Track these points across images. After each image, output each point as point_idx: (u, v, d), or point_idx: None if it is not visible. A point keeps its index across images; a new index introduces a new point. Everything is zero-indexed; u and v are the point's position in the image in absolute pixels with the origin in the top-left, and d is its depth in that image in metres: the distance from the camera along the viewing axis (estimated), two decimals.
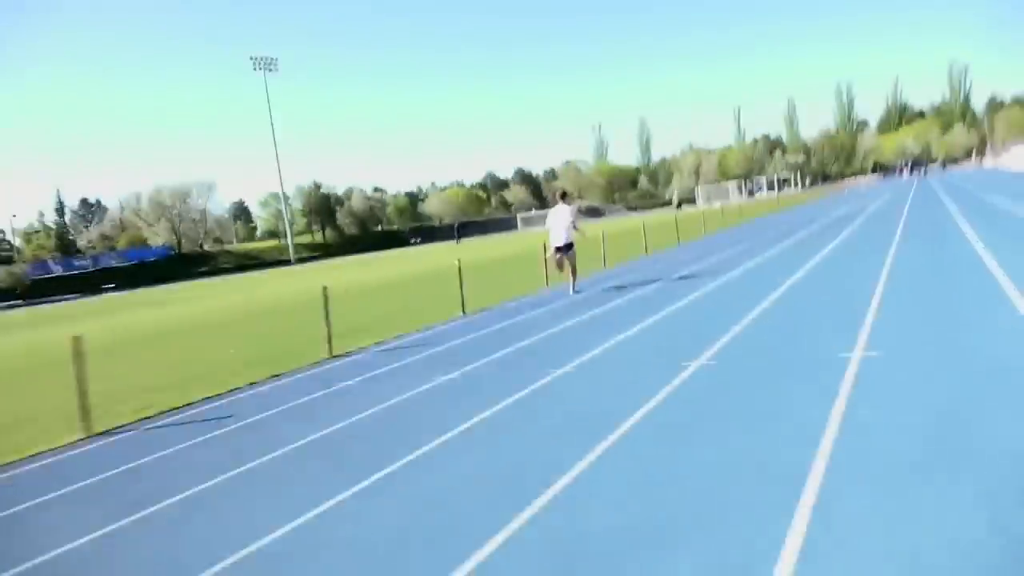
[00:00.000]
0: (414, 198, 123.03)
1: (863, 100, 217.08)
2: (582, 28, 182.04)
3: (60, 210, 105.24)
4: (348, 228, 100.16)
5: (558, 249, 12.01)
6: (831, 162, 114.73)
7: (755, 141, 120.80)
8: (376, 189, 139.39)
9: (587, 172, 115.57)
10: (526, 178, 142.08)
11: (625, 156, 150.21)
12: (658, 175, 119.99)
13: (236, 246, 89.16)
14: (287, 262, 78.76)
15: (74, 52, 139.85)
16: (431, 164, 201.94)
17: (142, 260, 71.76)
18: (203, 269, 73.18)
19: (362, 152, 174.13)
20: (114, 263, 69.53)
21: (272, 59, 76.63)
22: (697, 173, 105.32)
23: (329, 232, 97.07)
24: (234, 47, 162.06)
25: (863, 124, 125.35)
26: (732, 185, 74.86)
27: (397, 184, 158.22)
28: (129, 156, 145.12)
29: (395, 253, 60.75)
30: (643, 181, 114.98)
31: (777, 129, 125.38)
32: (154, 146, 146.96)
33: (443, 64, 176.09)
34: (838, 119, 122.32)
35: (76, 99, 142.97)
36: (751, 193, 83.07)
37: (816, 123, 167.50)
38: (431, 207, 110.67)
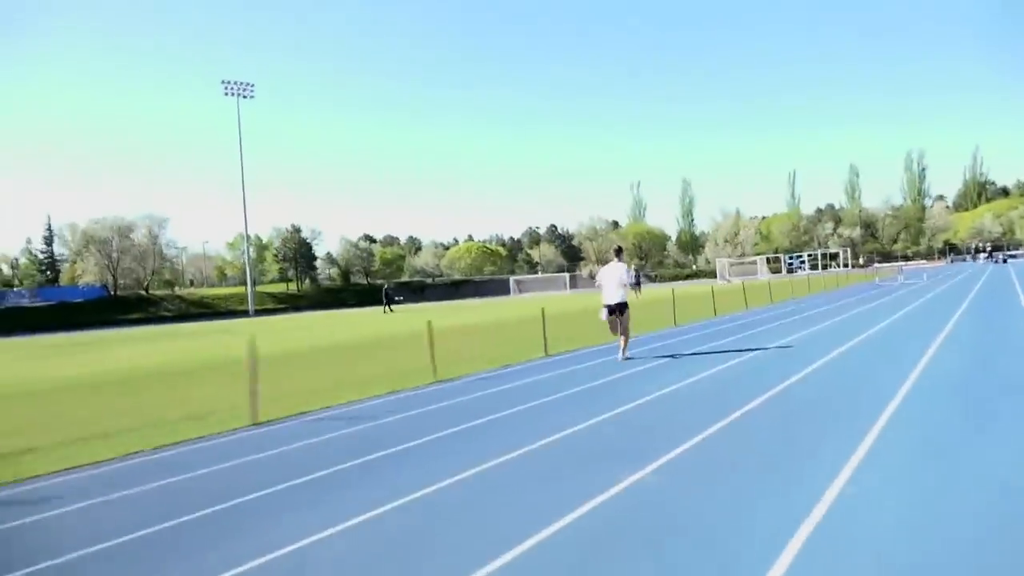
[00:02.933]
0: (418, 247, 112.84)
1: (937, 175, 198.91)
2: (630, 89, 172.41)
3: (48, 238, 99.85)
4: (335, 278, 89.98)
5: (610, 310, 10.23)
6: (894, 238, 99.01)
7: (818, 211, 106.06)
8: (410, 238, 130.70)
9: (614, 234, 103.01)
10: (558, 236, 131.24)
11: (668, 219, 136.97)
12: (695, 241, 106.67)
13: (192, 291, 79.54)
14: (245, 313, 69.00)
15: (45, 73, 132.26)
16: (470, 218, 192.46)
17: (63, 300, 62.46)
18: (135, 316, 63.40)
19: (395, 203, 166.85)
20: (25, 302, 60.24)
21: (248, 85, 67.96)
22: (735, 243, 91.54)
23: (310, 282, 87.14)
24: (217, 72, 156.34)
25: (938, 199, 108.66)
26: (761, 260, 61.00)
27: (431, 236, 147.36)
28: (115, 183, 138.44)
29: (344, 314, 48.94)
30: (671, 247, 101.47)
31: (841, 202, 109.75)
32: (132, 172, 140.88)
33: (493, 117, 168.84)
34: (907, 191, 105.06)
35: (62, 120, 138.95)
36: (791, 270, 68.95)
37: (883, 197, 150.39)
38: (424, 261, 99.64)
